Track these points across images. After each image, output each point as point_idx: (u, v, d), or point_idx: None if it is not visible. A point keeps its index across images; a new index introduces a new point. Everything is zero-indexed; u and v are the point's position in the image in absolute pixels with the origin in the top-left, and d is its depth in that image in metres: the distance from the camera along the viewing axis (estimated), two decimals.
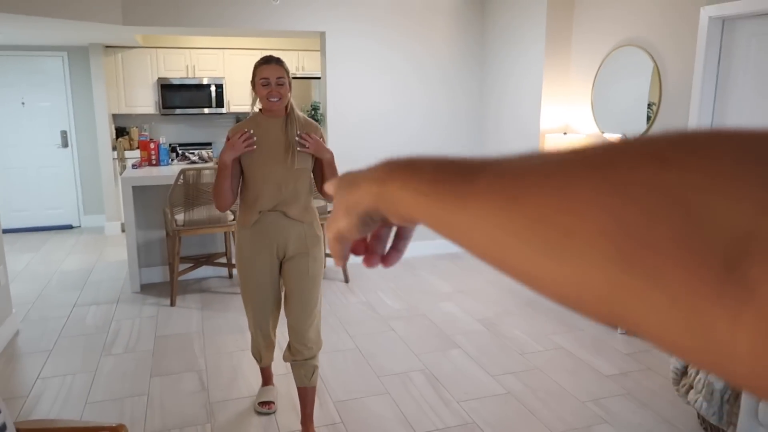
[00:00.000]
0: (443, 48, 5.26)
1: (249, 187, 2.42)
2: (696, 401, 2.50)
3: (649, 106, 3.85)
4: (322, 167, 2.47)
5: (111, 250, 5.76)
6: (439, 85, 5.32)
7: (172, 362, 3.33)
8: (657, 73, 3.70)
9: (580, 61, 4.44)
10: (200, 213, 4.19)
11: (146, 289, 4.59)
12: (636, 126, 3.93)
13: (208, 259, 4.61)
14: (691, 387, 2.58)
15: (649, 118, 3.85)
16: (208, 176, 4.17)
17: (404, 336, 3.71)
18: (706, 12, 3.29)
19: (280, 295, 2.53)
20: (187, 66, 6.67)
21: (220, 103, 6.81)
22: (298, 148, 2.37)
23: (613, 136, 4.14)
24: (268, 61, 2.33)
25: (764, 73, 3.15)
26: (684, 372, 2.66)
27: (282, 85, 2.33)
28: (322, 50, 5.01)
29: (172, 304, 4.21)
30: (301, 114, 2.45)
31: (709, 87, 3.39)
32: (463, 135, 5.49)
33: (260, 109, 2.43)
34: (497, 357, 3.43)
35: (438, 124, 5.39)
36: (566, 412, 2.82)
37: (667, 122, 3.67)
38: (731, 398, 2.44)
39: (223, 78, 6.79)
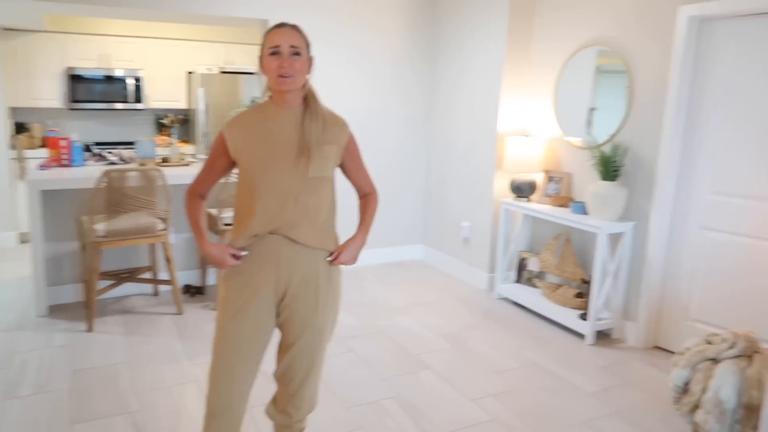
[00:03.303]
0: (394, 42, 4.94)
1: (245, 197, 1.78)
2: (706, 422, 2.32)
3: (591, 110, 3.76)
4: (357, 172, 1.97)
5: (7, 265, 4.94)
6: (389, 83, 4.99)
7: (96, 403, 2.76)
8: (630, 75, 3.57)
9: (542, 59, 4.26)
10: (125, 221, 3.61)
11: (55, 311, 3.90)
12: (599, 130, 3.80)
13: (131, 275, 4.00)
14: (696, 406, 2.41)
15: (589, 122, 3.76)
16: (134, 179, 3.62)
17: (366, 357, 3.34)
18: (685, 12, 3.17)
19: (263, 354, 1.84)
20: (100, 55, 5.91)
21: (138, 98, 6.10)
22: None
23: (574, 140, 3.99)
24: (281, 26, 1.75)
25: (742, 78, 3.07)
26: (685, 390, 2.49)
27: (298, 55, 1.73)
28: None
29: (90, 329, 3.58)
30: (324, 106, 1.84)
31: (684, 91, 3.28)
32: (415, 136, 5.19)
33: (270, 97, 1.81)
34: (472, 377, 3.14)
35: (387, 125, 5.05)
36: None
37: (638, 127, 3.55)
38: (743, 418, 2.28)
39: (142, 70, 6.09)
